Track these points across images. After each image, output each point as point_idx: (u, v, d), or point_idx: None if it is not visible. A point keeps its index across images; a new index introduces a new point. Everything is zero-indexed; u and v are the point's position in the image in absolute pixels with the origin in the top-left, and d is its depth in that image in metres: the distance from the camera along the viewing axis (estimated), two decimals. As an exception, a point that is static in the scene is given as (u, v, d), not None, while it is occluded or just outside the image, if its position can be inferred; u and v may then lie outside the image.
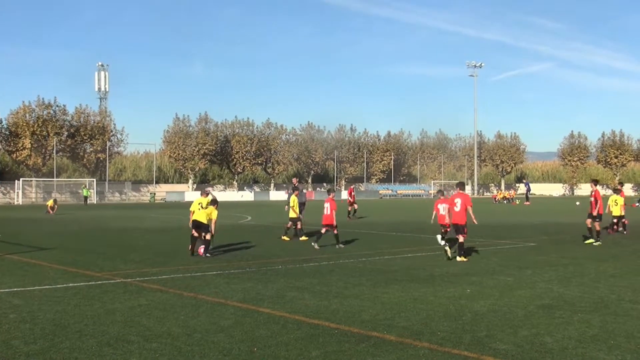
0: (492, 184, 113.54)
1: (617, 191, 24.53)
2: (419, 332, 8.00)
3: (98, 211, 47.70)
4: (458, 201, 16.06)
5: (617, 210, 23.00)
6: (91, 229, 27.53)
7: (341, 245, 18.43)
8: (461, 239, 15.71)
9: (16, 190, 68.84)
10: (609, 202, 22.85)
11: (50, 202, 44.19)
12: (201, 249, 16.30)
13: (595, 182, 22.03)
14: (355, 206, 34.70)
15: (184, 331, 8.06)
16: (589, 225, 20.62)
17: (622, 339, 7.66)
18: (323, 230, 18.69)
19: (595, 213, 20.36)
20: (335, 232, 18.61)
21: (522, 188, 79.99)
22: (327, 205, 19.00)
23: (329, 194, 19.79)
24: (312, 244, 18.24)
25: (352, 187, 36.27)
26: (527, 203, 60.73)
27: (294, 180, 23.82)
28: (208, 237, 16.18)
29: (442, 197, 19.22)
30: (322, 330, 8.12)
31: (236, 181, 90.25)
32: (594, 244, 19.52)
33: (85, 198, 65.03)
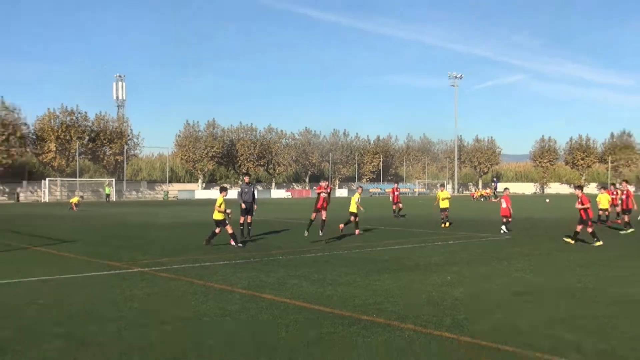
0: (471, 183, 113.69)
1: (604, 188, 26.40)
2: (405, 315, 8.03)
3: (117, 208, 47.64)
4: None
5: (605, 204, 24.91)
6: (111, 224, 27.50)
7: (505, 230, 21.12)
8: (590, 229, 17.41)
9: (43, 189, 68.72)
10: (598, 198, 24.84)
11: (74, 199, 43.91)
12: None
13: (626, 182, 23.47)
14: (400, 205, 32.21)
15: (194, 315, 8.09)
16: (627, 220, 22.01)
17: (587, 322, 7.71)
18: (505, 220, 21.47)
19: (625, 207, 22.12)
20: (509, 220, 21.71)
21: (500, 187, 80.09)
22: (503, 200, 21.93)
23: (504, 191, 23.11)
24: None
25: (396, 186, 34.06)
26: (496, 200, 60.45)
27: (246, 178, 20.73)
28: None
29: (508, 193, 22.95)
30: (319, 314, 8.15)
31: (241, 181, 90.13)
32: (627, 232, 21.08)
33: (107, 195, 64.51)
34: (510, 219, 21.65)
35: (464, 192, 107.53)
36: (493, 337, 6.93)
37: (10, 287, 10.37)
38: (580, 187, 18.88)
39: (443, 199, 25.37)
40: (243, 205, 19.21)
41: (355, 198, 20.82)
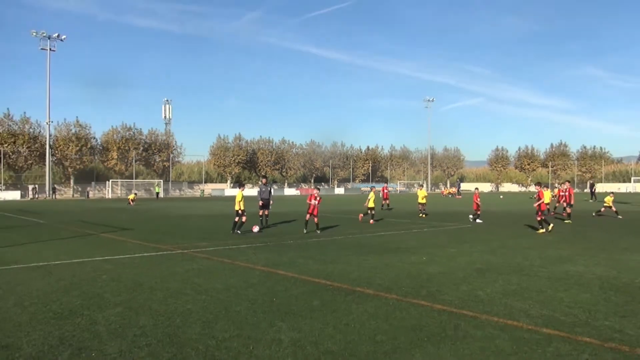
0: (441, 183, 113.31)
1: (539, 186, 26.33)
2: (390, 287, 7.99)
3: (164, 203, 47.66)
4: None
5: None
6: (159, 216, 27.51)
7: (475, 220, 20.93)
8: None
9: (107, 188, 68.83)
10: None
11: (131, 196, 43.97)
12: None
13: (569, 181, 23.49)
14: (388, 201, 32.10)
15: (224, 287, 8.06)
16: (569, 211, 21.79)
17: (533, 293, 7.65)
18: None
19: (568, 202, 21.88)
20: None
21: (463, 186, 79.75)
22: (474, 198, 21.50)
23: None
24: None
25: (385, 185, 34.00)
26: (459, 197, 60.39)
27: (263, 180, 19.79)
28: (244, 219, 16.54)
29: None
30: (321, 286, 8.11)
31: (260, 182, 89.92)
32: (567, 221, 20.74)
33: (157, 193, 64.58)
34: (479, 212, 21.61)
35: (435, 190, 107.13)
36: (459, 305, 6.88)
37: (81, 265, 10.36)
38: (539, 184, 18.37)
39: (422, 197, 25.52)
40: (260, 202, 18.91)
41: (370, 196, 21.10)
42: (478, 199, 21.73)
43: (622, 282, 8.51)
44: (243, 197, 16.53)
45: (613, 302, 7.12)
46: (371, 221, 20.70)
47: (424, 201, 25.38)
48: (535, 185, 18.89)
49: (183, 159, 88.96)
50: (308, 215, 16.97)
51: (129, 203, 42.24)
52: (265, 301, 7.10)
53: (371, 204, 20.93)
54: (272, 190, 19.82)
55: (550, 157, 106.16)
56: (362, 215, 21.40)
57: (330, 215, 27.17)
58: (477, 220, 21.13)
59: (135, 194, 46.22)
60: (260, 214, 19.00)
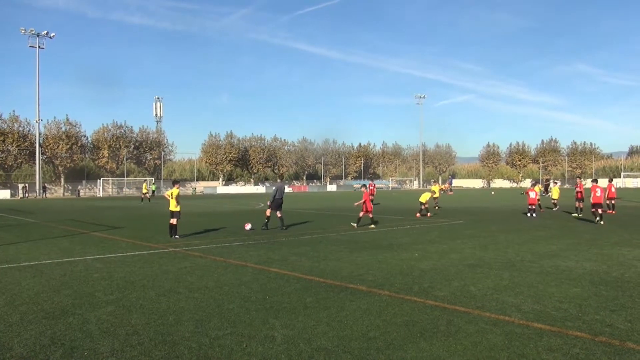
0: (433, 180, 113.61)
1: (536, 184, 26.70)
2: (382, 284, 8.00)
3: (155, 201, 47.35)
4: (598, 190, 17.66)
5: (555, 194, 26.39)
6: (150, 214, 27.37)
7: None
8: (600, 210, 17.31)
9: (98, 187, 68.33)
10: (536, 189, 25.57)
11: (145, 185, 44.25)
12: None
13: (579, 177, 24.07)
14: (372, 197, 32.89)
15: (216, 285, 8.04)
16: (581, 206, 22.71)
17: (525, 288, 7.70)
18: (594, 210, 18.50)
19: (581, 197, 22.83)
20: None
21: (455, 182, 79.95)
22: (597, 189, 19.32)
23: (554, 183, 24.13)
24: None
25: (372, 182, 34.44)
26: (451, 193, 60.51)
27: (279, 180, 18.59)
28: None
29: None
30: (314, 283, 8.11)
31: (252, 179, 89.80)
32: (573, 215, 21.99)
33: (154, 192, 63.63)
34: (533, 207, 21.94)
35: (427, 186, 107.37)
36: (451, 301, 6.91)
37: (72, 264, 10.29)
38: (614, 182, 19.07)
39: (434, 191, 27.45)
40: (269, 202, 17.22)
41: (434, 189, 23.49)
42: (538, 194, 22.29)
43: (612, 276, 8.59)
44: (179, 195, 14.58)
45: (603, 296, 7.19)
46: (418, 214, 22.17)
47: (437, 195, 27.39)
48: (610, 182, 19.19)
49: (174, 156, 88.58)
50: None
51: (145, 196, 42.34)
52: (258, 299, 7.09)
53: (423, 199, 22.28)
54: (286, 188, 19.05)
55: (540, 153, 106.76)
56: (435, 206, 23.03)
57: (324, 212, 27.19)
58: (529, 214, 21.39)
59: (146, 184, 45.28)
60: (268, 213, 17.22)
